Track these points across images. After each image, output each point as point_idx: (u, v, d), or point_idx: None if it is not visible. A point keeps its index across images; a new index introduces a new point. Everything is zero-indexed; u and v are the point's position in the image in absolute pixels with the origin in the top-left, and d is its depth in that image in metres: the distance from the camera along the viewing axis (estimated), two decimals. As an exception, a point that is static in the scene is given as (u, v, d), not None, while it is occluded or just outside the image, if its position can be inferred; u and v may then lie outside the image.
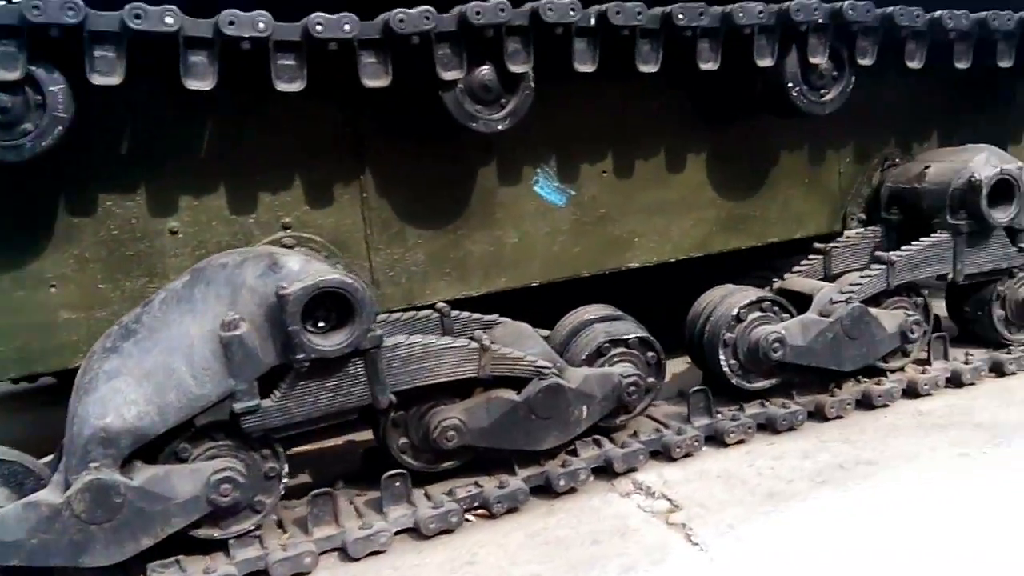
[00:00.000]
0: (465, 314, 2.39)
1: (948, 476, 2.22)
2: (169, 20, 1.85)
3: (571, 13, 2.15)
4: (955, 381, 2.77)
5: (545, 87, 2.26)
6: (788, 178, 2.82)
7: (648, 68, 2.32)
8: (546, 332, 2.48)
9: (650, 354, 2.43)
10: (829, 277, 2.77)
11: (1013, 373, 2.85)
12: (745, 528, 2.06)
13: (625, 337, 2.38)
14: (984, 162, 2.66)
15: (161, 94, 2.06)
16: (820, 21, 2.42)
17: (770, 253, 2.88)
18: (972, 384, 2.78)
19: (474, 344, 2.15)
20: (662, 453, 2.43)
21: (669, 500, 2.24)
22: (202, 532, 2.00)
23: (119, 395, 1.87)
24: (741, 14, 2.33)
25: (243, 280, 1.96)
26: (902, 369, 2.75)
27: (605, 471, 2.38)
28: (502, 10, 2.08)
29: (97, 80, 1.85)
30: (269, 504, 2.07)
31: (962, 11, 2.63)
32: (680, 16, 2.28)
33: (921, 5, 2.59)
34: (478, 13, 2.05)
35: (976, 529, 1.96)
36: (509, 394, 2.21)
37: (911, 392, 2.71)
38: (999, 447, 2.36)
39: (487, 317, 2.41)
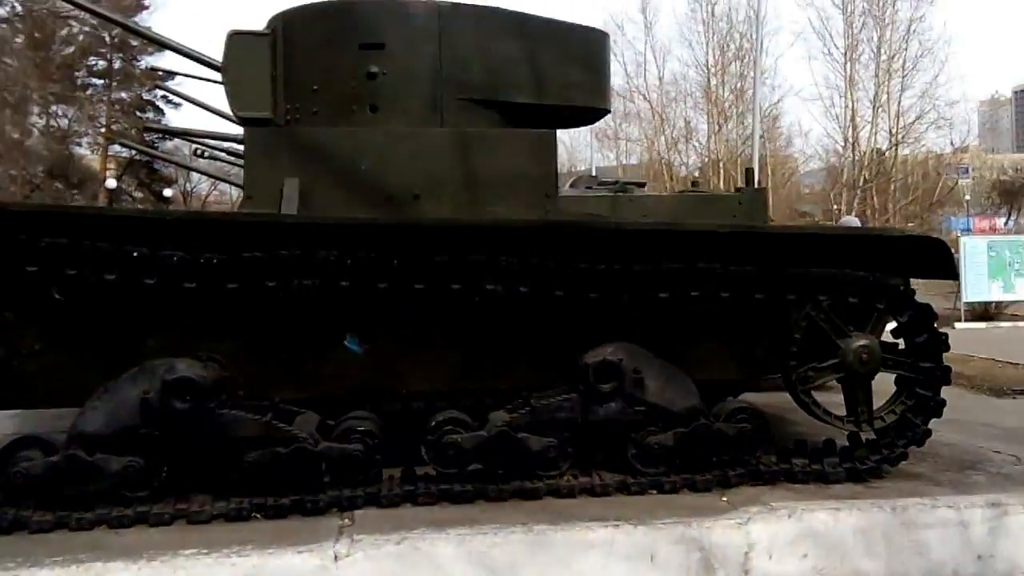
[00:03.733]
0: (286, 406, 4.41)
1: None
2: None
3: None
4: (590, 491, 4.25)
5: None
6: (524, 348, 4.53)
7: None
8: (333, 422, 4.42)
9: (375, 441, 4.26)
10: (531, 415, 4.40)
11: (639, 493, 4.26)
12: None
13: (359, 428, 4.25)
14: (609, 353, 4.22)
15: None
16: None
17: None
18: (606, 495, 4.24)
19: (263, 419, 4.16)
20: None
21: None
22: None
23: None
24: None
25: (157, 372, 4.17)
26: (557, 478, 4.29)
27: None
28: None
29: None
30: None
31: None
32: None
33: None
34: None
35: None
36: (281, 448, 4.17)
37: (556, 493, 4.24)
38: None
39: (299, 409, 4.41)
